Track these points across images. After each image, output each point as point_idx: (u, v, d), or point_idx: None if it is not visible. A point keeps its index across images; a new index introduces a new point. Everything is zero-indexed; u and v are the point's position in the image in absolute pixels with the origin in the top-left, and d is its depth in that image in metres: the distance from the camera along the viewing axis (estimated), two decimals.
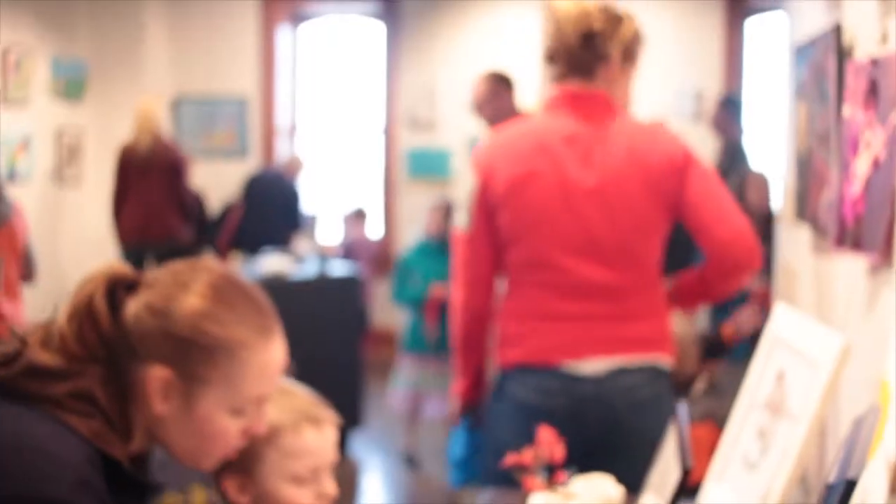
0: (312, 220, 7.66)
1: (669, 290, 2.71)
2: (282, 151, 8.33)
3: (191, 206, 7.05)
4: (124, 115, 7.26)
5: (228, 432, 1.40)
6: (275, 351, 1.42)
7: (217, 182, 7.89)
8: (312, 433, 1.65)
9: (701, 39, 7.52)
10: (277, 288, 5.35)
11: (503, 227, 2.61)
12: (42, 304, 4.34)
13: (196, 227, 7.28)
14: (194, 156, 7.92)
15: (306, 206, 7.68)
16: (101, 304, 1.35)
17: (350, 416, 5.58)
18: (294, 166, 7.61)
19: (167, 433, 1.39)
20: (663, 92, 7.28)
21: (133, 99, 7.25)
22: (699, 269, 2.72)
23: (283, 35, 8.48)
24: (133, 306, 1.37)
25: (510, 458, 1.96)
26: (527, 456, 1.94)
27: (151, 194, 6.83)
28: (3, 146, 7.00)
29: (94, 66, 8.02)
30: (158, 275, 1.41)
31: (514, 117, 4.67)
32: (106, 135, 7.69)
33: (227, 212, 7.65)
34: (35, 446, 1.26)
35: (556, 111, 2.64)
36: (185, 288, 1.37)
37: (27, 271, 4.39)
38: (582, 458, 2.52)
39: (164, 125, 7.58)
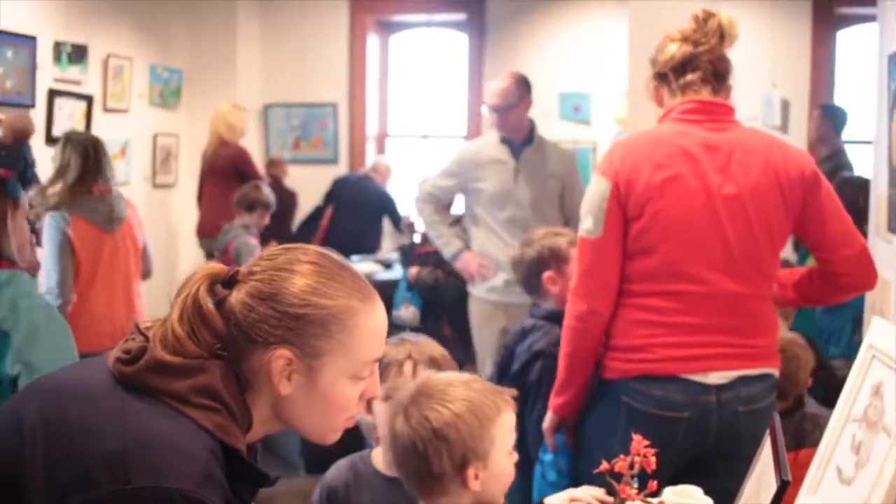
0: (401, 223, 7.74)
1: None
2: (370, 157, 8.45)
3: None
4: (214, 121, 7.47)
5: (351, 400, 1.46)
6: (380, 313, 1.48)
7: (307, 188, 8.02)
8: (512, 409, 1.89)
9: (789, 49, 7.42)
10: None
11: (637, 233, 2.58)
12: (146, 300, 4.47)
13: (281, 226, 7.56)
14: (285, 161, 8.14)
15: (394, 210, 7.78)
16: (206, 302, 1.39)
17: None
18: (381, 171, 7.71)
19: (293, 412, 1.44)
20: (751, 100, 7.21)
21: None
22: (810, 275, 2.71)
23: (372, 45, 8.60)
24: (237, 298, 1.41)
25: (604, 465, 1.98)
26: (621, 464, 1.96)
27: (217, 193, 7.25)
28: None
29: (190, 75, 8.23)
30: (254, 265, 1.45)
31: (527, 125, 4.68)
32: (198, 140, 7.89)
33: (314, 216, 7.78)
34: (162, 441, 1.29)
35: (688, 120, 2.62)
36: (288, 270, 1.42)
37: (145, 269, 4.52)
38: (690, 464, 2.54)
39: (253, 131, 7.80)
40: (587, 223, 2.64)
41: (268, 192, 6.41)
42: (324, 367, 1.41)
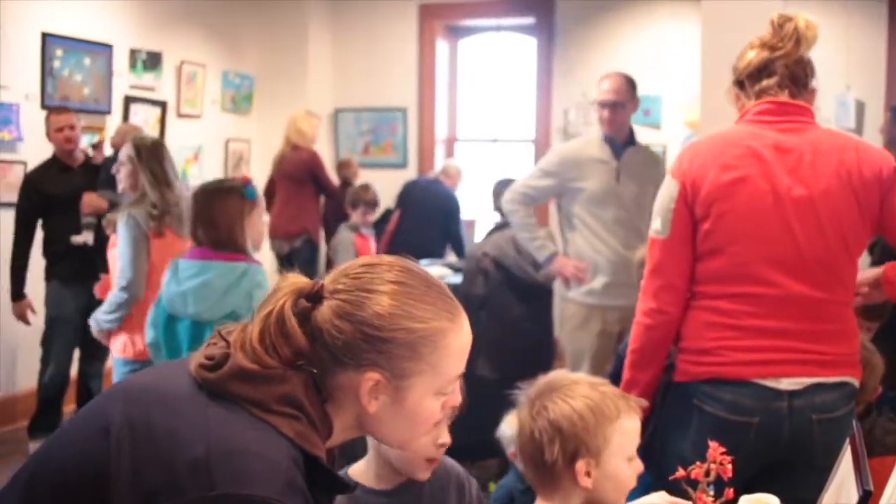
0: (470, 227, 7.74)
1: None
2: (440, 162, 8.48)
3: (337, 202, 7.43)
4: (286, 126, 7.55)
5: (435, 413, 1.45)
6: (466, 329, 1.47)
7: (378, 191, 8.06)
8: (637, 416, 1.93)
9: (864, 50, 7.30)
10: None
11: (704, 234, 2.57)
12: None
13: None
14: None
15: (464, 213, 7.78)
16: (291, 320, 1.38)
17: None
18: (452, 174, 7.72)
19: (377, 427, 1.45)
20: (825, 102, 7.11)
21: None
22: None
23: (441, 49, 8.63)
24: (324, 316, 1.38)
25: (679, 472, 1.97)
26: (697, 471, 1.94)
27: (288, 197, 7.43)
28: (177, 156, 7.36)
29: (261, 81, 8.34)
30: (339, 281, 1.42)
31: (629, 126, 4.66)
32: (269, 145, 7.99)
33: (382, 219, 7.82)
34: (246, 448, 1.29)
35: (761, 121, 2.60)
36: (374, 290, 1.39)
37: None
38: (764, 473, 2.51)
39: (324, 136, 7.89)
40: (656, 223, 2.65)
41: (373, 192, 6.68)
42: (412, 387, 1.41)
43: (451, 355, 1.43)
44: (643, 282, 2.71)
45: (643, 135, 7.59)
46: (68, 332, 5.44)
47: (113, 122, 6.69)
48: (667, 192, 2.63)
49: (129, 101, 6.89)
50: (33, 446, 5.37)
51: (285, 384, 1.35)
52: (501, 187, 5.20)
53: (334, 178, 7.85)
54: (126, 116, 6.86)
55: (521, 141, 8.63)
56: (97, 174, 5.52)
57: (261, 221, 3.56)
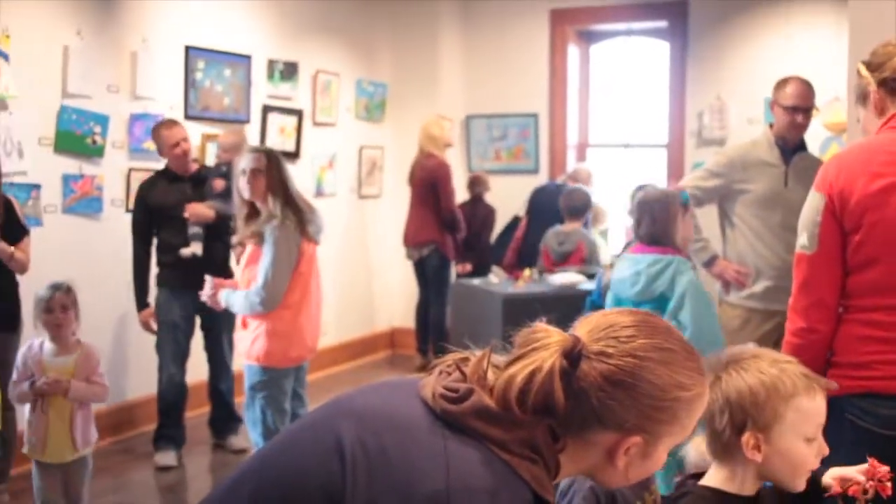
0: (603, 234, 7.68)
1: None
2: (571, 167, 8.44)
3: (447, 217, 7.47)
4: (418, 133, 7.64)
5: (661, 460, 1.45)
6: (707, 387, 1.48)
7: (507, 198, 8.09)
8: (820, 397, 1.89)
9: None
10: (570, 297, 5.49)
11: (856, 246, 2.51)
12: (342, 310, 4.72)
13: (478, 241, 7.76)
14: (485, 172, 8.25)
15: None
16: (559, 390, 1.35)
17: None
18: (581, 178, 7.65)
19: (602, 476, 1.45)
20: None
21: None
22: None
23: (572, 54, 8.60)
24: (593, 380, 1.36)
25: (835, 488, 1.92)
26: (854, 488, 1.90)
27: (417, 204, 7.58)
28: (313, 163, 7.52)
29: (394, 88, 8.45)
30: (606, 345, 1.38)
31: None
32: (402, 152, 8.10)
33: (511, 226, 7.81)
34: (484, 487, 1.28)
35: None
36: (649, 359, 1.37)
37: None
38: None
39: (455, 142, 7.95)
40: (802, 238, 2.60)
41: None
42: (660, 444, 1.42)
43: (696, 412, 1.44)
44: (791, 300, 2.65)
45: None
46: (179, 338, 5.51)
47: (252, 132, 6.87)
48: (812, 205, 2.57)
49: (266, 110, 7.06)
50: (160, 457, 5.48)
51: (528, 429, 1.34)
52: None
53: (462, 192, 7.90)
54: (264, 125, 7.03)
55: (654, 146, 8.52)
56: (203, 183, 5.58)
57: (691, 224, 4.27)
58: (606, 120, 8.85)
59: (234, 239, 4.93)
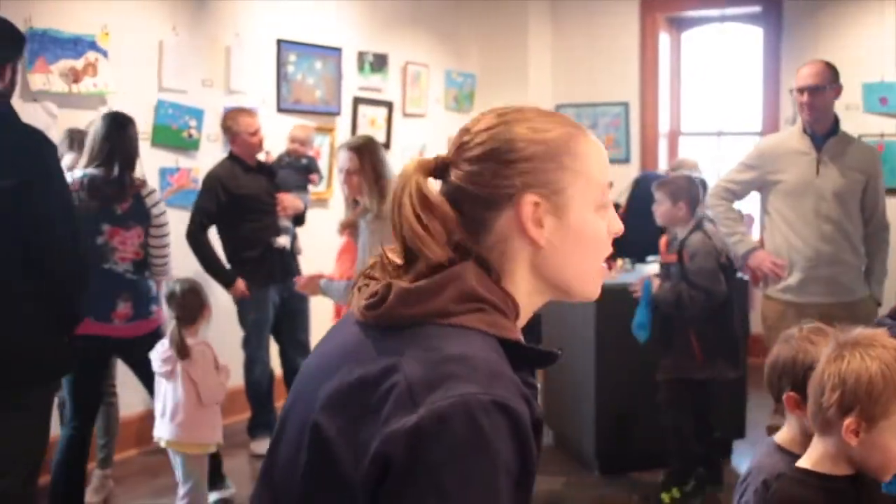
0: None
1: None
2: (663, 156, 8.34)
3: None
4: None
5: (602, 233, 1.40)
6: (593, 137, 1.43)
7: None
8: None
9: None
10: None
11: None
12: None
13: None
14: None
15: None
16: (431, 191, 1.33)
17: (735, 428, 5.49)
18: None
19: (554, 265, 1.37)
20: None
21: None
22: None
23: (663, 42, 8.49)
24: (459, 175, 1.35)
25: None
26: None
27: None
28: (403, 154, 7.56)
29: (482, 78, 8.44)
30: (460, 141, 1.38)
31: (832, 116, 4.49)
32: None
33: None
34: (439, 359, 1.22)
35: None
36: (502, 123, 1.36)
37: None
38: None
39: None
40: None
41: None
42: (570, 202, 1.36)
43: (590, 158, 1.39)
44: None
45: (880, 124, 7.26)
46: (267, 332, 5.55)
47: (343, 124, 6.93)
48: None
49: (357, 102, 7.11)
50: (255, 445, 5.59)
51: (453, 283, 1.29)
52: None
53: None
54: (355, 117, 7.09)
55: (748, 133, 8.37)
56: (272, 174, 5.56)
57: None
58: (698, 108, 8.72)
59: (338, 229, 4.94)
